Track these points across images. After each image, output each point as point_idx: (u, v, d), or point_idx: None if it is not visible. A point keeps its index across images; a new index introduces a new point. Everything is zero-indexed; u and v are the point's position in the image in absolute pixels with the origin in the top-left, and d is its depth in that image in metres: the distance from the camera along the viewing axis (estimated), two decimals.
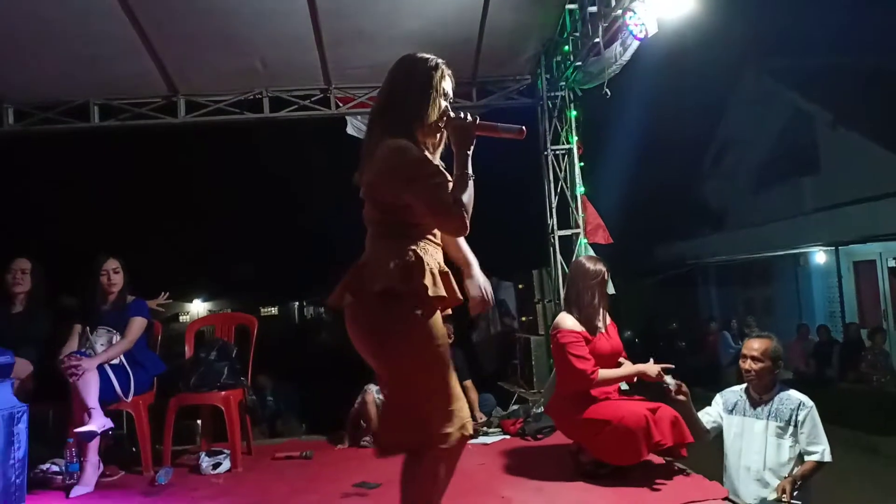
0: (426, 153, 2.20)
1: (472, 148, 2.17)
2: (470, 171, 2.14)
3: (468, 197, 2.11)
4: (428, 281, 2.06)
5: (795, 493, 3.26)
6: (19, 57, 4.86)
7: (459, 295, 2.19)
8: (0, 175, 5.69)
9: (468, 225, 2.11)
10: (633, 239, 12.50)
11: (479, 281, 2.32)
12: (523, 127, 2.26)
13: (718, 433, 3.61)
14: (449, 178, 2.16)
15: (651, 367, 3.54)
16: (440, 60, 2.25)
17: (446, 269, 2.19)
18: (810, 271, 13.69)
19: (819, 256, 13.21)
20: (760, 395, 3.48)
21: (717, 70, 14.12)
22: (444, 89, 2.23)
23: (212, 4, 4.51)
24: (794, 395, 3.44)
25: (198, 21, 4.66)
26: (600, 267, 3.67)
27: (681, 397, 3.48)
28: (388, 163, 2.11)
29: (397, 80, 2.25)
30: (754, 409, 3.49)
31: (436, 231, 2.22)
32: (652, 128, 13.81)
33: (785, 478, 3.28)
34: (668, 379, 3.52)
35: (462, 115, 2.20)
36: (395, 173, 2.09)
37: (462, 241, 2.34)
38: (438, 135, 2.26)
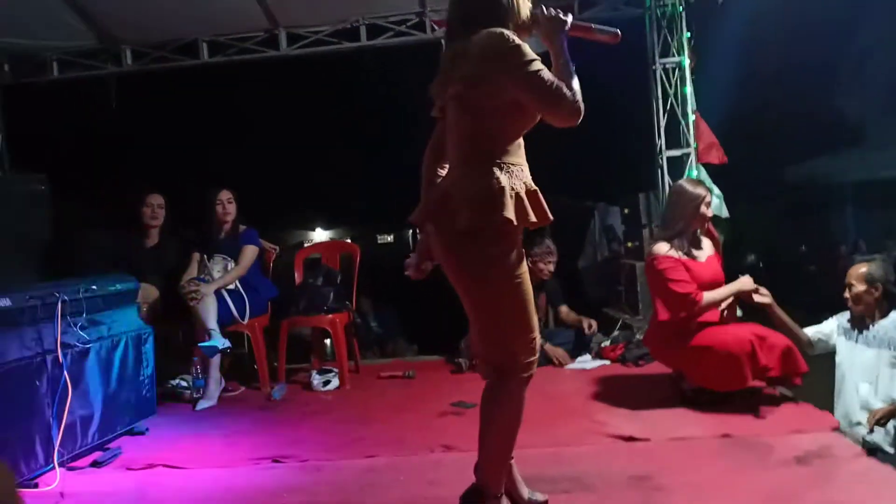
0: None
1: (565, 44, 2.04)
2: (570, 58, 2.02)
3: (576, 83, 1.98)
4: (510, 213, 1.96)
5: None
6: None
7: (549, 214, 2.09)
8: (123, 113, 6.06)
9: (582, 110, 1.97)
10: (758, 160, 11.66)
11: None
12: (618, 30, 2.12)
13: (827, 353, 3.43)
14: None
15: (745, 282, 3.38)
16: None
17: (534, 187, 2.08)
18: None
19: None
20: (868, 321, 3.30)
21: None
22: None
23: None
24: None
25: None
26: (700, 190, 3.46)
27: (762, 299, 3.33)
28: (488, 50, 1.97)
29: None
30: (864, 335, 3.31)
31: (521, 146, 2.11)
32: (777, 38, 12.56)
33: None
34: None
35: (554, 11, 2.07)
36: (497, 61, 1.96)
37: None
38: (528, 35, 2.11)
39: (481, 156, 2.04)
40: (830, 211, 15.89)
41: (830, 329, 3.50)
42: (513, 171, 2.04)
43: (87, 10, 5.26)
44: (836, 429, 2.92)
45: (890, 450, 3.00)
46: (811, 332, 3.53)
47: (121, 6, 5.18)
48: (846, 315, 3.47)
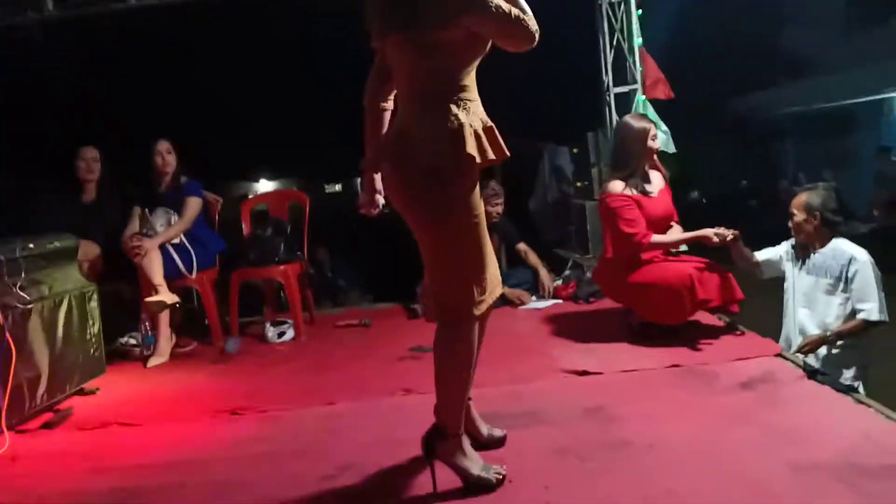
0: None
1: None
2: None
3: (527, 6, 1.98)
4: (471, 148, 1.95)
5: (836, 352, 3.22)
6: None
7: (506, 150, 2.07)
8: (49, 64, 5.72)
9: (536, 34, 1.97)
10: (702, 93, 11.78)
11: None
12: None
13: (777, 277, 3.55)
14: None
15: (710, 232, 3.40)
16: None
17: (490, 122, 2.06)
18: (894, 119, 12.74)
19: None
20: (811, 249, 3.39)
21: None
22: None
23: None
24: (847, 250, 3.30)
25: None
26: (645, 124, 3.49)
27: (725, 236, 3.40)
28: None
29: None
30: (804, 263, 3.42)
31: (473, 81, 2.06)
32: None
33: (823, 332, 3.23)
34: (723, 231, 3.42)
35: None
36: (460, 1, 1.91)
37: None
38: None
39: (438, 93, 2.00)
40: (771, 143, 16.29)
41: (779, 254, 3.59)
42: (469, 108, 2.01)
43: None
44: (778, 354, 3.06)
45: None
46: (761, 256, 3.62)
47: None
48: (792, 242, 3.57)
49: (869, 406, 2.39)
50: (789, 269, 3.54)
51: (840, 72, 12.34)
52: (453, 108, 1.97)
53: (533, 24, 1.96)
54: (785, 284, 3.58)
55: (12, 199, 4.53)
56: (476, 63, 2.06)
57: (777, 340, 3.40)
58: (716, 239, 3.39)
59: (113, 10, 5.38)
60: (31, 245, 3.11)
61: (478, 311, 2.06)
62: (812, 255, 3.40)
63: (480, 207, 2.07)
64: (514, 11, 1.93)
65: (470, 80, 2.05)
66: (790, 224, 3.48)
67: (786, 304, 3.53)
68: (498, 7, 1.91)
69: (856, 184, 10.95)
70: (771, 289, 3.80)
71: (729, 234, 3.39)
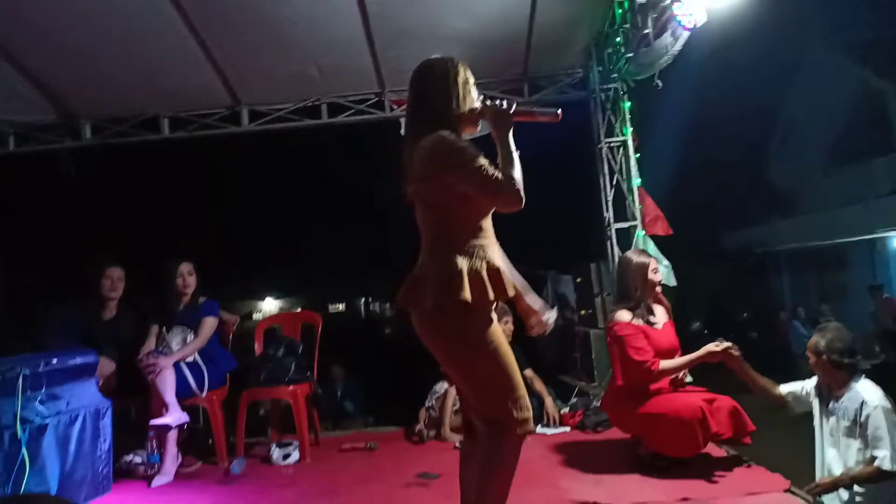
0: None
1: (510, 132, 2.24)
2: (514, 148, 2.21)
3: (518, 172, 2.18)
4: (466, 294, 2.11)
5: (860, 500, 3.12)
6: (91, 75, 5.17)
7: (510, 290, 2.24)
8: (81, 186, 6.05)
9: (523, 198, 2.17)
10: (699, 228, 12.21)
11: (539, 302, 2.40)
12: (559, 110, 2.31)
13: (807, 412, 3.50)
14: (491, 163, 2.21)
15: (711, 345, 3.50)
16: (454, 57, 2.33)
17: (497, 265, 2.23)
18: (887, 258, 13.09)
19: None
20: (830, 390, 3.35)
21: (780, 49, 13.64)
22: (469, 80, 2.31)
23: (266, 13, 4.67)
24: (861, 393, 3.20)
25: (255, 31, 4.85)
26: (644, 259, 3.67)
27: (734, 352, 3.45)
28: (432, 153, 2.18)
29: (421, 86, 2.32)
30: (827, 405, 3.37)
31: (487, 227, 2.27)
32: (712, 115, 13.45)
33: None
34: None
35: (498, 101, 2.28)
36: (439, 162, 2.16)
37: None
38: (476, 125, 2.32)
39: (443, 242, 2.23)
40: (767, 276, 16.59)
41: (805, 389, 3.52)
42: (475, 253, 2.21)
43: (49, 85, 5.31)
44: (788, 489, 3.05)
45: None
46: (785, 389, 3.56)
47: (82, 83, 5.26)
48: (816, 379, 3.52)
49: None
50: (816, 406, 3.46)
51: (830, 210, 12.82)
52: (456, 254, 2.18)
53: (519, 190, 2.16)
54: (814, 422, 3.48)
55: (34, 310, 4.63)
56: (482, 217, 2.27)
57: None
58: (718, 349, 3.46)
59: (146, 140, 5.78)
60: (54, 360, 3.20)
61: (521, 429, 2.16)
62: (834, 396, 3.33)
63: (496, 336, 2.20)
64: (497, 175, 2.15)
65: (480, 228, 2.26)
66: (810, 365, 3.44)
67: (817, 440, 3.43)
68: (480, 169, 2.14)
69: (851, 319, 11.09)
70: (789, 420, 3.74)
71: (728, 344, 3.46)
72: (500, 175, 2.15)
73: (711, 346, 3.50)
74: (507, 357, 2.20)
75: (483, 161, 2.16)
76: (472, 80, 2.33)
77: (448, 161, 2.16)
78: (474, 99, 2.31)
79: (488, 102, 2.29)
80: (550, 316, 2.40)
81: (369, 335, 13.33)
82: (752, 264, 15.88)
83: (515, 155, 2.21)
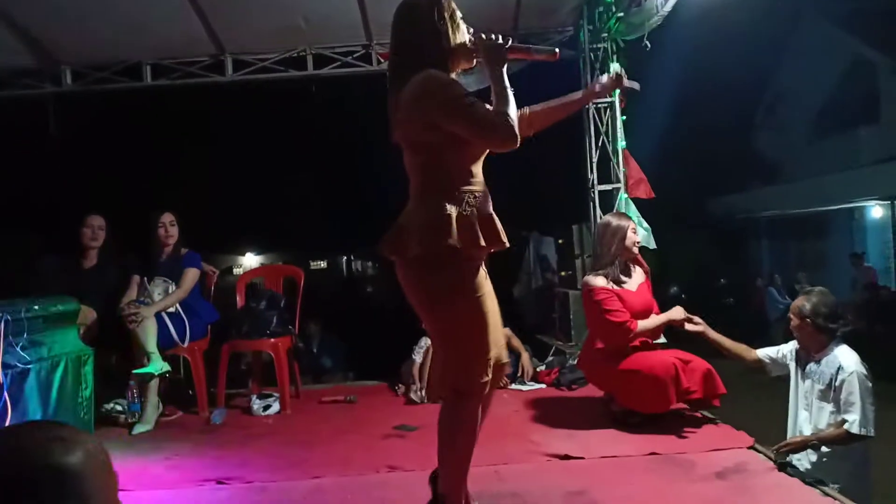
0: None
1: (504, 67, 2.11)
2: (508, 84, 2.08)
3: (513, 110, 2.05)
4: (454, 240, 2.03)
5: (826, 460, 3.20)
6: (73, 22, 5.05)
7: (504, 239, 2.17)
8: (61, 134, 5.95)
9: (518, 135, 2.04)
10: (683, 193, 12.30)
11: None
12: (556, 49, 2.25)
13: (784, 375, 3.56)
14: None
15: (676, 312, 3.61)
16: None
17: (489, 212, 2.16)
18: (865, 226, 13.29)
19: (875, 211, 12.79)
20: (809, 353, 3.39)
21: (768, 17, 13.55)
22: (456, 13, 2.18)
23: None
24: (838, 358, 3.23)
25: None
26: (623, 222, 3.70)
27: (694, 327, 3.56)
28: (421, 89, 2.05)
29: (406, 29, 2.19)
30: (804, 367, 3.42)
31: (478, 174, 2.18)
32: (700, 81, 13.42)
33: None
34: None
35: (493, 35, 2.13)
36: (428, 99, 2.04)
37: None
38: (471, 61, 2.21)
39: (431, 187, 2.13)
40: (748, 244, 16.80)
41: (783, 353, 3.57)
42: (465, 198, 2.10)
43: (30, 31, 5.18)
44: (751, 446, 3.16)
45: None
46: (762, 353, 3.62)
47: (65, 28, 5.14)
48: (796, 343, 3.56)
49: (835, 499, 2.50)
50: (793, 369, 3.51)
51: (812, 178, 12.94)
52: (445, 200, 2.08)
53: (513, 127, 2.02)
54: (791, 383, 3.54)
55: (16, 259, 4.61)
56: (474, 160, 2.18)
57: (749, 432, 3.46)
58: (681, 317, 3.59)
59: (127, 87, 5.68)
60: (36, 307, 3.20)
61: (484, 391, 2.16)
62: (811, 358, 3.38)
63: (481, 290, 2.15)
64: (488, 113, 2.03)
65: (470, 172, 2.16)
66: (790, 326, 3.49)
67: (790, 402, 3.51)
68: (472, 105, 2.02)
69: (828, 286, 11.29)
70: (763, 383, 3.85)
71: (690, 317, 3.60)
72: (492, 113, 2.03)
73: (676, 311, 3.62)
74: (491, 316, 2.16)
75: (474, 99, 2.04)
76: (459, 13, 2.19)
77: (437, 97, 2.03)
78: (465, 32, 2.19)
79: (483, 36, 2.14)
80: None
81: (351, 293, 13.40)
82: (733, 231, 16.05)
83: (510, 92, 2.07)
